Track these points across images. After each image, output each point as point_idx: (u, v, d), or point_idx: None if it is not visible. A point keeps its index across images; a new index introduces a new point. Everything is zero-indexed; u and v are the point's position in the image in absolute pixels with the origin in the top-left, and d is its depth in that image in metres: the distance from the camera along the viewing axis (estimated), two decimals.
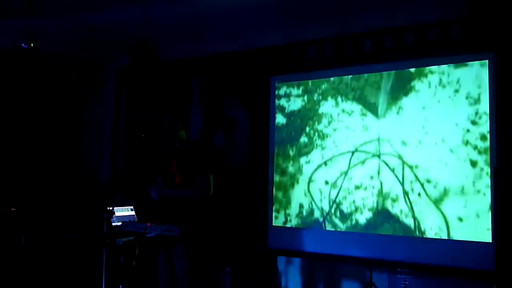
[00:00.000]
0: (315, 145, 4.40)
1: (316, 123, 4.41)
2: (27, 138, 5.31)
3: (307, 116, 4.47)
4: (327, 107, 4.38)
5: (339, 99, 4.32)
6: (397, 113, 4.03)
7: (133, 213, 4.54)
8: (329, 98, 4.37)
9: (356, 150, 4.18)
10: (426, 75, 3.93)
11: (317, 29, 4.51)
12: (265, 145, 4.64)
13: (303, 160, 4.45)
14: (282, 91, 4.65)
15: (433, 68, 3.90)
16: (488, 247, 3.52)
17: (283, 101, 4.64)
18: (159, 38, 5.09)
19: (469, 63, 3.76)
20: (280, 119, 4.64)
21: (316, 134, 4.41)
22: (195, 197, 3.48)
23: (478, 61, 3.72)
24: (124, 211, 4.43)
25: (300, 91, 4.54)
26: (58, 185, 5.27)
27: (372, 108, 4.15)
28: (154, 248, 3.56)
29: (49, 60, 5.42)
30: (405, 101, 4.01)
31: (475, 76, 3.73)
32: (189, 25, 4.67)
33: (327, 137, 4.34)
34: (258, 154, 4.73)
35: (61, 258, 4.77)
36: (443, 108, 3.84)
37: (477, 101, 3.70)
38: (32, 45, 4.19)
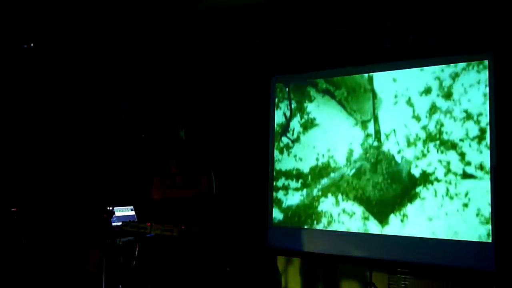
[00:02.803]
0: None
1: (315, 222, 4.27)
2: (27, 138, 5.31)
3: (306, 213, 4.33)
4: (326, 205, 4.22)
5: (339, 197, 4.18)
6: (402, 221, 3.89)
7: (133, 213, 4.54)
8: (329, 195, 4.23)
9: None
10: (432, 182, 3.79)
11: (318, 29, 4.51)
12: (265, 145, 4.64)
13: None
14: (280, 183, 4.49)
15: (439, 176, 3.76)
16: (488, 247, 3.52)
17: (280, 194, 4.48)
18: (160, 38, 5.09)
19: (478, 175, 3.61)
20: (276, 214, 4.50)
21: None
22: (196, 197, 3.48)
23: (487, 174, 3.54)
24: (124, 211, 4.42)
25: (299, 184, 4.40)
26: (58, 185, 5.26)
27: (374, 212, 3.99)
28: (154, 248, 3.56)
29: (49, 59, 5.41)
30: (410, 209, 3.85)
31: (485, 191, 3.56)
32: (190, 25, 4.67)
33: None
34: (258, 154, 4.74)
35: (61, 258, 4.77)
36: (452, 222, 3.67)
37: (488, 220, 3.54)
38: (32, 45, 4.19)
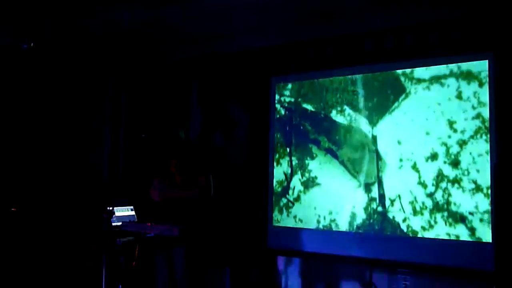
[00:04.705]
0: None
1: None
2: (28, 138, 5.31)
3: None
4: None
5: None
6: None
7: (133, 213, 4.54)
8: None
9: None
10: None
11: (317, 29, 4.51)
12: (265, 145, 4.64)
13: None
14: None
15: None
16: (488, 247, 3.52)
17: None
18: (160, 38, 5.09)
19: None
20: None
21: None
22: (195, 197, 3.48)
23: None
24: (124, 211, 4.42)
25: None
26: (58, 185, 5.27)
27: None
28: (154, 248, 3.56)
29: (50, 59, 5.42)
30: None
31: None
32: (190, 25, 4.67)
33: None
34: (258, 154, 4.74)
35: (61, 258, 4.77)
36: None
37: None
38: (32, 45, 4.19)
